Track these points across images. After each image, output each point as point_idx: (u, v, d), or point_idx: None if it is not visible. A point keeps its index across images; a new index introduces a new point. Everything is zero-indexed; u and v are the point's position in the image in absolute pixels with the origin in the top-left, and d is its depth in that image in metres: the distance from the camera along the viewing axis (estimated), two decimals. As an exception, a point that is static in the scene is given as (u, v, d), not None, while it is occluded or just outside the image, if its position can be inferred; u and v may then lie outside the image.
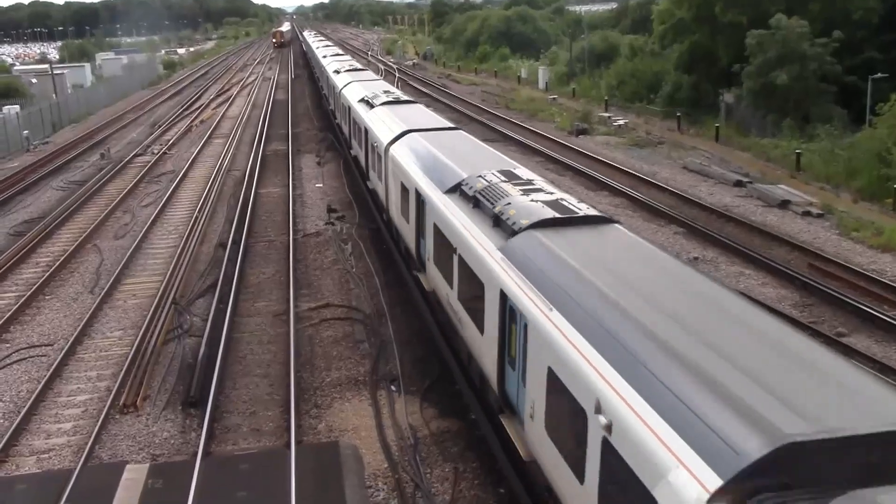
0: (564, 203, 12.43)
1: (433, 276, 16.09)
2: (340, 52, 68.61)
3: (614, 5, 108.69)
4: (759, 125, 40.25)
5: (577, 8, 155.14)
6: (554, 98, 57.72)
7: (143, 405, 15.36)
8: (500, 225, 12.24)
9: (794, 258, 22.45)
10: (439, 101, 59.17)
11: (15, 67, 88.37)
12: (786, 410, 6.24)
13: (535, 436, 10.06)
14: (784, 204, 27.41)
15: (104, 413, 14.84)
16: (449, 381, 15.54)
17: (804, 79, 38.50)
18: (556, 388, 9.07)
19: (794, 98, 38.96)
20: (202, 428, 14.19)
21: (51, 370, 16.68)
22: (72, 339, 18.23)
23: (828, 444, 5.80)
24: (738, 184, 30.49)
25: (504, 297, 11.03)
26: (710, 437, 6.26)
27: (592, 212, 12.26)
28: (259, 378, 16.42)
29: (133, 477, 12.86)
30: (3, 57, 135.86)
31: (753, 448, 5.86)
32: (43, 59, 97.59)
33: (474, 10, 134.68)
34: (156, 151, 42.46)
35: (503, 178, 14.36)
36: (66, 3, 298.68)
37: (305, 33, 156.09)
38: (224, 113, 57.82)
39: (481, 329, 12.35)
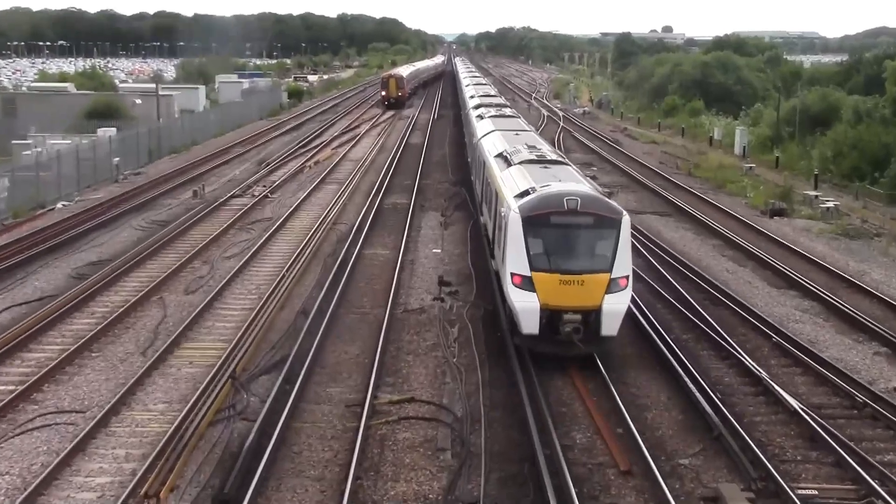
0: (544, 154, 29.33)
1: (484, 211, 31.99)
2: (483, 81, 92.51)
3: (845, 57, 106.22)
4: None
5: (801, 58, 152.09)
6: (751, 167, 56.60)
7: (167, 497, 15.67)
8: (509, 163, 27.97)
9: None
10: (607, 161, 59.25)
11: (122, 85, 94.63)
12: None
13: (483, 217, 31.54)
14: None
15: (120, 502, 15.24)
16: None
17: None
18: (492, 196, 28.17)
19: None
20: (227, 536, 14.33)
21: (73, 442, 17.34)
22: (107, 408, 18.95)
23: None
24: (974, 297, 28.69)
25: (496, 192, 26.59)
26: None
27: (556, 157, 29.90)
28: (310, 481, 16.50)
29: (133, 585, 13.07)
30: (117, 72, 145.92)
31: None
32: (157, 77, 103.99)
33: (667, 53, 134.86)
34: (256, 194, 44.36)
35: (525, 148, 30.03)
36: (194, 15, 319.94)
37: (457, 61, 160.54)
38: (346, 154, 59.97)
39: (490, 208, 28.48)
